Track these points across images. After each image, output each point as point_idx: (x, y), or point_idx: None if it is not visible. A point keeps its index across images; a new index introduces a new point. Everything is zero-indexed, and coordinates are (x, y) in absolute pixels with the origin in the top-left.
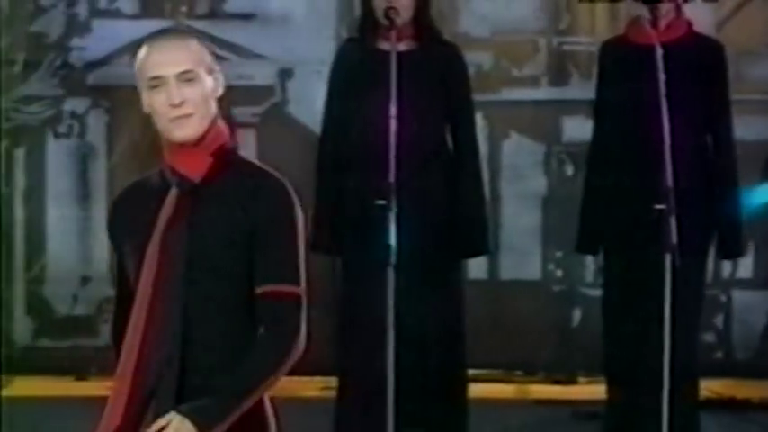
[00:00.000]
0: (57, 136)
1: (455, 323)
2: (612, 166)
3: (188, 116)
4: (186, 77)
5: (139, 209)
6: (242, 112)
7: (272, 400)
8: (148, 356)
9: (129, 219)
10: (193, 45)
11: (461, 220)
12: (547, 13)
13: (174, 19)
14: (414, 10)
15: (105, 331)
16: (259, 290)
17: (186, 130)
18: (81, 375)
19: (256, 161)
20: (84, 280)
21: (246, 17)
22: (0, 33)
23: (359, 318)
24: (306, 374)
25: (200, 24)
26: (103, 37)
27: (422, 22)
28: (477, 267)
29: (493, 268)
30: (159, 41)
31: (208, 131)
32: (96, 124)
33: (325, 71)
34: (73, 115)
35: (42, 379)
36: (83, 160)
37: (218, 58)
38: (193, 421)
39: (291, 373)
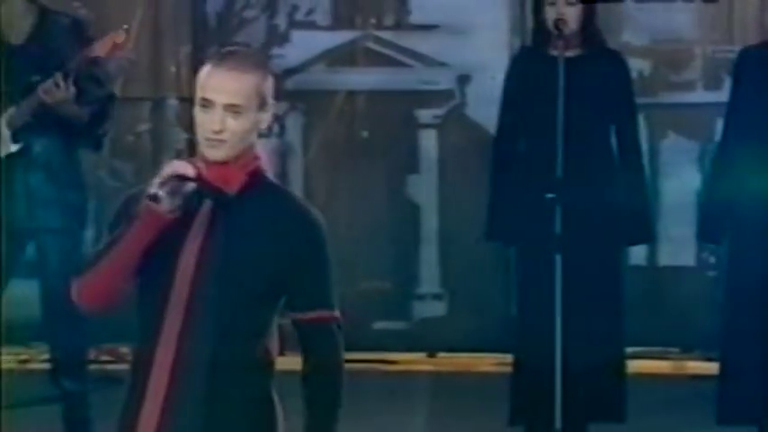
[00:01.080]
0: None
1: (616, 306)
2: (742, 164)
3: (222, 141)
4: (234, 110)
5: None
6: (425, 115)
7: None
8: (179, 376)
9: None
10: (253, 78)
11: (627, 212)
12: (702, 23)
13: (364, 30)
14: (581, 21)
15: None
16: (308, 315)
17: (219, 152)
18: None
19: (285, 186)
20: None
21: (429, 28)
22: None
23: (531, 300)
24: (481, 351)
25: (386, 35)
26: (300, 46)
27: (589, 32)
28: (636, 255)
29: (652, 255)
30: (224, 65)
31: (242, 153)
32: (294, 125)
33: (501, 77)
34: (273, 117)
35: None
36: (282, 158)
37: (404, 65)
38: None
39: (468, 350)
